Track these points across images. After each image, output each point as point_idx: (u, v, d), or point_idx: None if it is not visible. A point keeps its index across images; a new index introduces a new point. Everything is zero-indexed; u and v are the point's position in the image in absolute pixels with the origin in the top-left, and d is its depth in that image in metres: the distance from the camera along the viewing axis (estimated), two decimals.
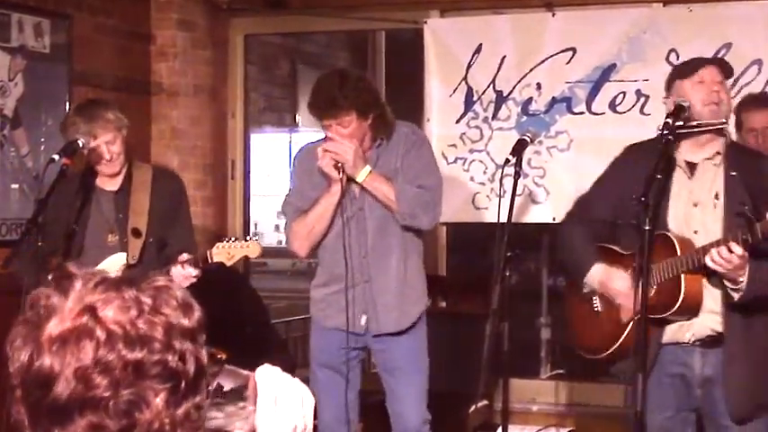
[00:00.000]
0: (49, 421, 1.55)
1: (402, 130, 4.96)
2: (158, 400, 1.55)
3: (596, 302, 4.47)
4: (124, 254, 4.98)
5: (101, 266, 4.88)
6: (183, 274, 4.72)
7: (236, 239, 4.91)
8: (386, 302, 4.90)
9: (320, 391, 4.93)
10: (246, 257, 4.96)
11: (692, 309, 4.20)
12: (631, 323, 4.25)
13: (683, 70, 4.36)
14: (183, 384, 1.58)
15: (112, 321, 1.55)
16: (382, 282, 4.89)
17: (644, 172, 4.05)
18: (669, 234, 4.20)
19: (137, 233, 4.99)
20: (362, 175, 4.80)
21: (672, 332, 4.27)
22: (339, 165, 4.76)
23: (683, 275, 4.14)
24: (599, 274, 4.39)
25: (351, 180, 4.83)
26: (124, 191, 5.07)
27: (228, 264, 4.86)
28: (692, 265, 4.12)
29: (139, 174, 5.12)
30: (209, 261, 4.81)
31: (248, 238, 5.05)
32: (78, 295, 1.58)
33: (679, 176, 4.30)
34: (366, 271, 4.89)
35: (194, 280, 4.73)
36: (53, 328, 1.56)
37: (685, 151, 4.30)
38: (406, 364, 4.93)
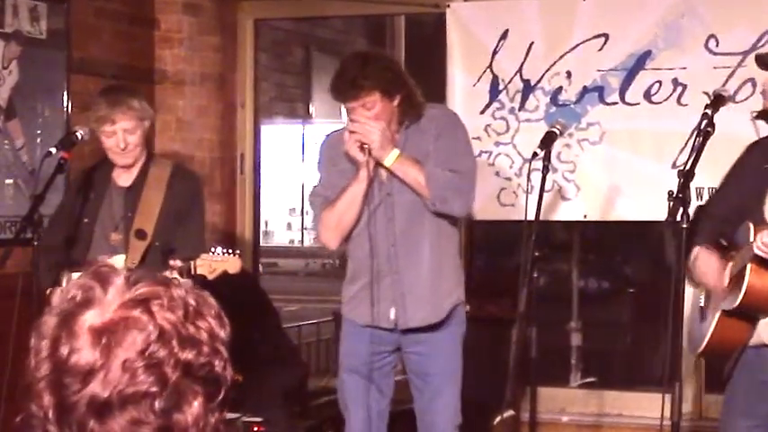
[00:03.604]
0: (85, 415, 1.58)
1: (434, 113, 4.96)
2: (196, 404, 1.60)
3: (702, 297, 4.42)
4: (123, 256, 4.90)
5: None
6: None
7: (219, 251, 4.77)
8: (417, 295, 4.86)
9: (348, 398, 4.94)
10: (226, 272, 4.78)
11: (760, 302, 4.09)
12: (715, 319, 4.21)
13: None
14: (221, 392, 1.63)
15: (163, 318, 1.60)
16: (412, 273, 4.86)
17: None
18: (749, 223, 4.11)
19: (141, 234, 4.92)
20: (391, 158, 4.77)
21: (760, 334, 4.19)
22: (366, 147, 4.73)
23: (748, 265, 4.06)
24: (694, 253, 4.29)
25: (378, 164, 4.80)
26: (136, 188, 5.01)
27: (210, 278, 4.72)
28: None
29: (156, 170, 5.05)
30: (193, 272, 4.70)
31: (230, 251, 4.84)
32: (121, 288, 1.62)
33: None
34: (394, 262, 4.86)
35: None
36: (93, 318, 1.60)
37: None
38: (438, 368, 4.92)
